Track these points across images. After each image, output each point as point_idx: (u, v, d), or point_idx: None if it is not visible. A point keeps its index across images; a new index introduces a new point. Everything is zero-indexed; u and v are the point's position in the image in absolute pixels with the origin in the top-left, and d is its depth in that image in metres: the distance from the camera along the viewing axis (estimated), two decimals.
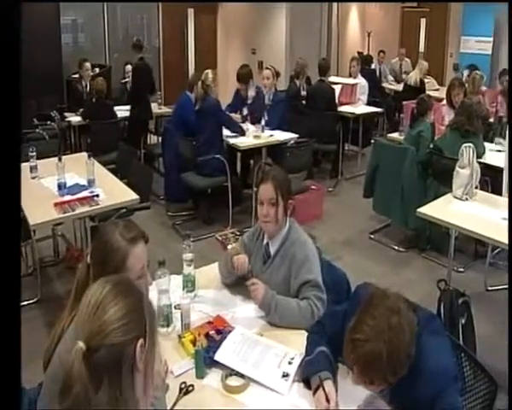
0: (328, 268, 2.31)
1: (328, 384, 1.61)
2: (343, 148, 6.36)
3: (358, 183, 5.07)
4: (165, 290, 1.98)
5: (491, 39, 9.66)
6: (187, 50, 9.87)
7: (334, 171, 6.32)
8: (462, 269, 4.12)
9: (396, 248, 4.54)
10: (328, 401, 1.57)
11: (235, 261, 2.17)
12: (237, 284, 2.26)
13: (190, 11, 9.84)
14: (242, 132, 4.84)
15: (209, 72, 4.69)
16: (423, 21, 11.10)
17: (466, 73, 7.52)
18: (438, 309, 2.78)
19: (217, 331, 1.93)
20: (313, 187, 4.90)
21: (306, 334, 1.94)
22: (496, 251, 4.04)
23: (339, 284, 2.31)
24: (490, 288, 3.89)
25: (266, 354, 1.83)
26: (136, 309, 1.11)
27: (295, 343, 1.89)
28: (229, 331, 1.93)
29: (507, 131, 3.92)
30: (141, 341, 1.09)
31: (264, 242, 2.25)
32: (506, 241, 2.90)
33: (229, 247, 2.52)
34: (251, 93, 5.30)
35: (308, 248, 2.16)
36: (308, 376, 1.67)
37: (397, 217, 4.50)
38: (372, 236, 4.77)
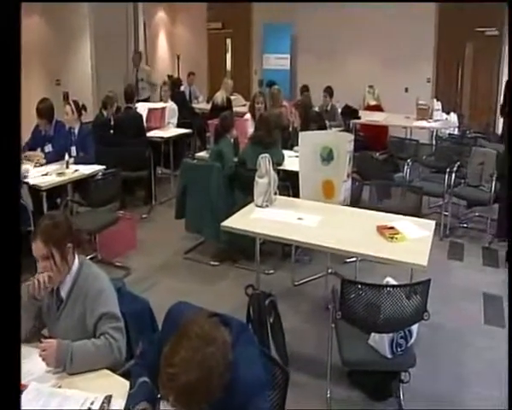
0: (130, 299, 2.32)
1: None
2: (155, 173, 6.38)
3: (172, 205, 5.11)
4: None
5: (289, 56, 10.68)
6: None
7: (147, 197, 6.28)
8: (272, 271, 4.43)
9: (211, 263, 4.66)
10: None
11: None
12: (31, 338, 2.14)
13: None
14: None
15: None
16: (229, 42, 11.80)
17: (267, 89, 8.17)
18: (247, 314, 2.89)
19: None
20: (126, 217, 4.84)
21: (108, 373, 1.93)
22: (300, 249, 4.42)
23: (142, 313, 2.34)
24: (296, 283, 4.26)
25: (64, 405, 1.76)
26: None
27: (98, 385, 1.84)
28: (22, 391, 1.82)
29: (299, 139, 4.34)
30: None
31: (55, 288, 2.17)
32: (302, 239, 3.16)
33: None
34: (51, 131, 5.09)
35: (101, 280, 2.14)
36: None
37: (208, 233, 4.61)
38: (186, 255, 4.83)
